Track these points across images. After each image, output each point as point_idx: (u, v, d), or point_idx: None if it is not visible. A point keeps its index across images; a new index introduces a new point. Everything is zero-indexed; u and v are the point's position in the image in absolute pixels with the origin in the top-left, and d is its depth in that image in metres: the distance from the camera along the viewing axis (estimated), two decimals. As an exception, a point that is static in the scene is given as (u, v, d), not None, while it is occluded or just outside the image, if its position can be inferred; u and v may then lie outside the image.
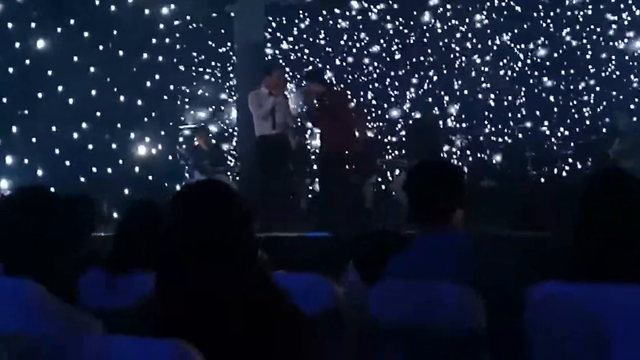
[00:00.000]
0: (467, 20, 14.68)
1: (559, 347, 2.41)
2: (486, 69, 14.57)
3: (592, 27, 14.42)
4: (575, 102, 14.42)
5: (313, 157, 12.63)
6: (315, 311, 2.73)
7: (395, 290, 3.00)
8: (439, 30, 14.74)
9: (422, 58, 14.72)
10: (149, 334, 2.01)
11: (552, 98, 14.40)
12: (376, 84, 14.76)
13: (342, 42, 14.86)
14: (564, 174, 12.38)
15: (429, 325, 2.78)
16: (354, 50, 14.85)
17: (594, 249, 2.52)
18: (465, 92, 14.44)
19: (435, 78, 14.69)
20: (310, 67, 14.39)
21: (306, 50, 14.78)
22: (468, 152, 12.20)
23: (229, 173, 11.97)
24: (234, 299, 2.03)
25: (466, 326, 2.76)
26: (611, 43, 14.26)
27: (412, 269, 3.14)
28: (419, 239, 3.25)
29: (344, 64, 14.85)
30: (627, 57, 14.18)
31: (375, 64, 14.85)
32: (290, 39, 14.75)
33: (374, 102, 14.74)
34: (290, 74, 14.05)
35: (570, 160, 13.18)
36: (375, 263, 3.63)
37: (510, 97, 14.47)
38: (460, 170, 3.52)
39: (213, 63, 14.34)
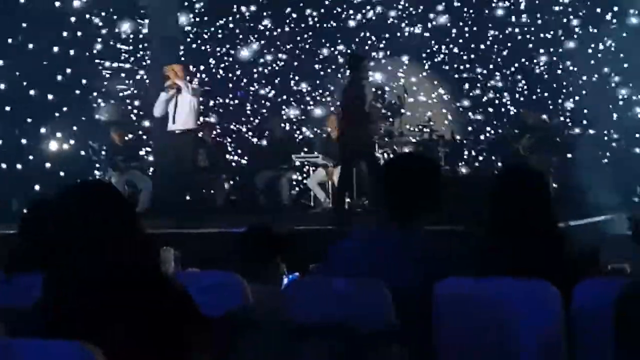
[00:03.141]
0: (381, 11, 14.66)
1: (463, 340, 2.47)
2: (405, 61, 14.61)
3: (509, 19, 14.66)
4: (488, 98, 14.66)
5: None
6: (226, 310, 2.72)
7: (308, 288, 3.02)
8: (353, 23, 14.69)
9: (334, 50, 14.65)
10: (45, 333, 2.00)
11: (464, 92, 14.59)
12: (279, 78, 14.50)
13: (247, 34, 14.53)
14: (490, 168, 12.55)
15: (341, 322, 2.81)
16: (262, 41, 14.56)
17: (500, 245, 2.59)
18: (387, 88, 14.48)
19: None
20: (212, 60, 14.20)
21: (208, 44, 14.42)
22: (382, 152, 12.16)
23: (140, 170, 11.76)
24: (120, 296, 2.05)
25: (377, 321, 2.79)
26: (528, 37, 14.51)
27: (345, 263, 3.13)
28: (357, 232, 3.25)
29: (247, 55, 14.44)
30: (541, 52, 14.46)
31: (281, 55, 14.61)
32: (193, 29, 14.34)
33: (276, 98, 14.51)
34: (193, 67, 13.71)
35: (482, 155, 13.46)
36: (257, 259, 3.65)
37: (424, 93, 14.61)
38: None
39: (127, 57, 14.07)
